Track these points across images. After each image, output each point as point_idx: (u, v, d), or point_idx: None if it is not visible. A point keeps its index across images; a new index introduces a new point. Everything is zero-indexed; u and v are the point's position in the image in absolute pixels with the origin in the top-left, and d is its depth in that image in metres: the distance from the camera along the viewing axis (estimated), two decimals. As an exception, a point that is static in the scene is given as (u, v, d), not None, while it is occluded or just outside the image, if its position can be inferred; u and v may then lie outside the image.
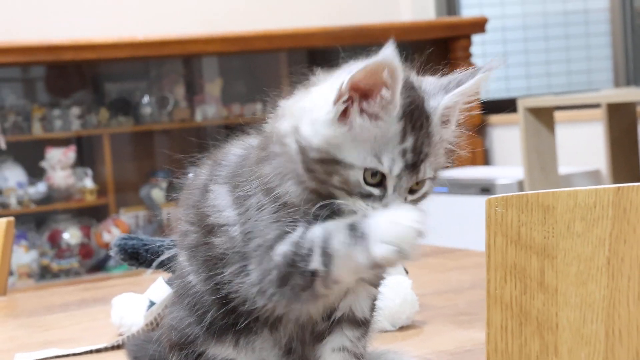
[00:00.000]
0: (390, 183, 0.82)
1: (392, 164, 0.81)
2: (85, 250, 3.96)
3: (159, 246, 1.27)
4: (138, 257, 1.25)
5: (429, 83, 0.87)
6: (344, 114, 0.81)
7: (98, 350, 1.24)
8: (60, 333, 1.37)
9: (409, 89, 0.84)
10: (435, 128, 0.84)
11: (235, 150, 0.94)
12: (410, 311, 1.23)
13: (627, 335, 0.67)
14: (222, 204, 0.89)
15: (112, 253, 1.25)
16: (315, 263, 0.80)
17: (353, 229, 0.79)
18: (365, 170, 0.81)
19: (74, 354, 1.24)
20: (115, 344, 1.25)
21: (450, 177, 3.87)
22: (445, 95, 0.85)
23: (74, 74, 4.19)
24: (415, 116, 0.83)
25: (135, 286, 1.48)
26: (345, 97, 0.81)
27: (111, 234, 3.95)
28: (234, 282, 0.86)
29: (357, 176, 0.81)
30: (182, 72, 4.37)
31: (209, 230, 0.90)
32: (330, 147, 0.81)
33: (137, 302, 1.30)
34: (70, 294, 1.75)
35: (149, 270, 1.24)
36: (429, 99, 0.85)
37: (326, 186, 0.82)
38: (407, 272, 1.33)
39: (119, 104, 4.16)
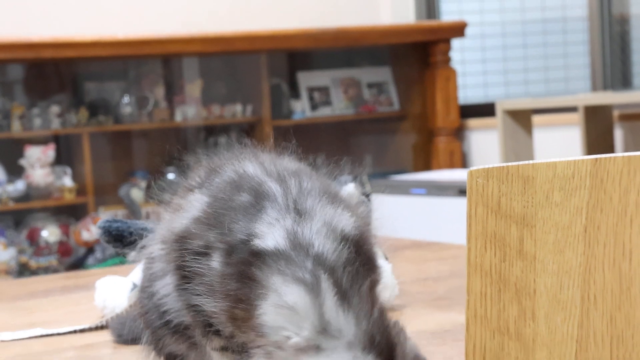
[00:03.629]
0: None
1: None
2: (64, 248, 3.95)
3: (143, 229, 1.28)
4: (122, 239, 1.26)
5: None
6: None
7: (82, 330, 1.26)
8: (44, 316, 1.38)
9: None
10: None
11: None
12: (390, 294, 1.25)
13: (602, 300, 0.70)
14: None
15: (97, 235, 1.27)
16: None
17: None
18: None
19: (58, 334, 1.25)
20: (99, 325, 1.26)
21: (428, 179, 3.91)
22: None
23: (53, 73, 4.19)
24: None
25: (116, 274, 1.49)
26: None
27: (90, 232, 3.95)
28: None
29: None
30: (162, 73, 4.38)
31: None
32: None
33: (120, 284, 1.32)
34: (53, 281, 1.76)
35: (133, 253, 1.26)
36: None
37: None
38: (387, 258, 1.35)
39: (98, 103, 4.16)
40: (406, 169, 4.57)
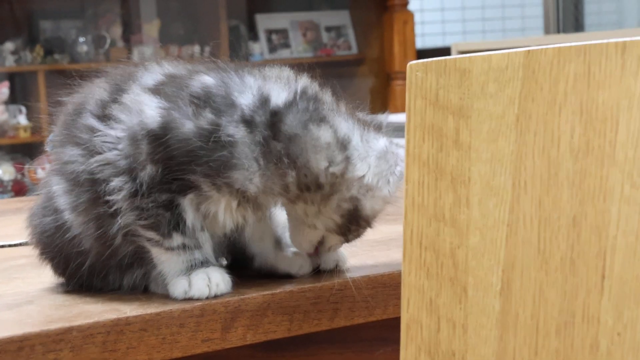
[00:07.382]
0: None
1: None
2: (18, 187, 3.94)
3: (95, 143, 1.29)
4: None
5: None
6: None
7: (34, 242, 1.27)
8: (-5, 231, 1.39)
9: None
10: None
11: None
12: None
13: (532, 185, 0.73)
14: None
15: (48, 149, 1.27)
16: None
17: None
18: None
19: (10, 245, 1.26)
20: (51, 238, 1.27)
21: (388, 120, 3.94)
22: None
23: (7, 11, 4.13)
24: None
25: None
26: None
27: (45, 171, 3.93)
28: None
29: None
30: (119, 12, 4.34)
31: None
32: None
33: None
34: (5, 204, 1.77)
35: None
36: None
37: None
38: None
39: (54, 42, 4.12)
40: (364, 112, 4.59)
